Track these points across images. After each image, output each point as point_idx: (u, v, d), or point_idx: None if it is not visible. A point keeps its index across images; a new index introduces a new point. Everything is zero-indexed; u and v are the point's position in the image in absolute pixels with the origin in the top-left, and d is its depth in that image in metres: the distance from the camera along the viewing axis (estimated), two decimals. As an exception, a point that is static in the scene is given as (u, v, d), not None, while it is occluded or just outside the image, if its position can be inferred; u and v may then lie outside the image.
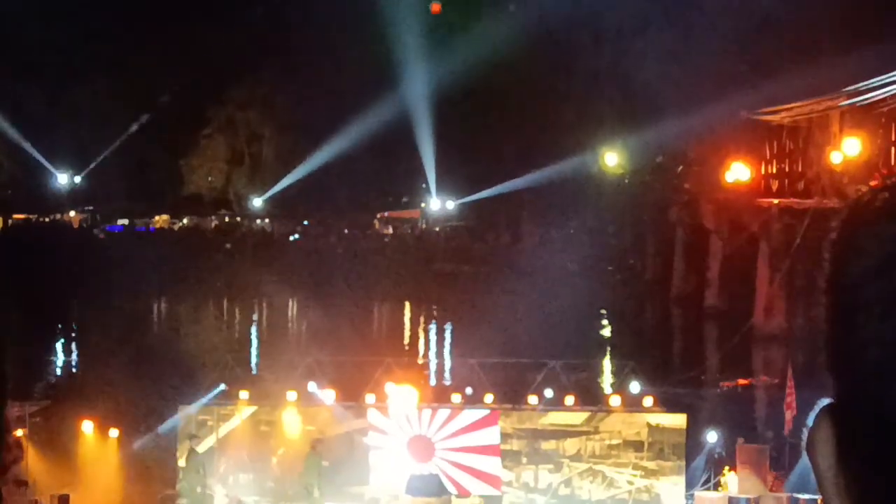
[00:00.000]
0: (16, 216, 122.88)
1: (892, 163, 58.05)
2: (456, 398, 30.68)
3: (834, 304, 1.71)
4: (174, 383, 39.91)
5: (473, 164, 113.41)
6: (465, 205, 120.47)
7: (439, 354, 70.71)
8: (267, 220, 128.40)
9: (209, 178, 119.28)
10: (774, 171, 79.75)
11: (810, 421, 1.82)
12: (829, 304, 1.74)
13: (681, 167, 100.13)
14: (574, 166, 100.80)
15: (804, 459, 28.26)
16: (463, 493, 30.23)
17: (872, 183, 1.76)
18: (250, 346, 73.50)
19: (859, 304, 1.65)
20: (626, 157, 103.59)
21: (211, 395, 30.33)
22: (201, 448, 30.02)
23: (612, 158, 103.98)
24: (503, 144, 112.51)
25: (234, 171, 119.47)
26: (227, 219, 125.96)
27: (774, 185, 78.86)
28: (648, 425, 30.17)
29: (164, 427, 30.16)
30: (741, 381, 31.24)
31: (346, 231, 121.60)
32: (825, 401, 1.78)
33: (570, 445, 30.35)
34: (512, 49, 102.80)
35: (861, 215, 1.70)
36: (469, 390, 31.06)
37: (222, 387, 30.50)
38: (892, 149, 57.95)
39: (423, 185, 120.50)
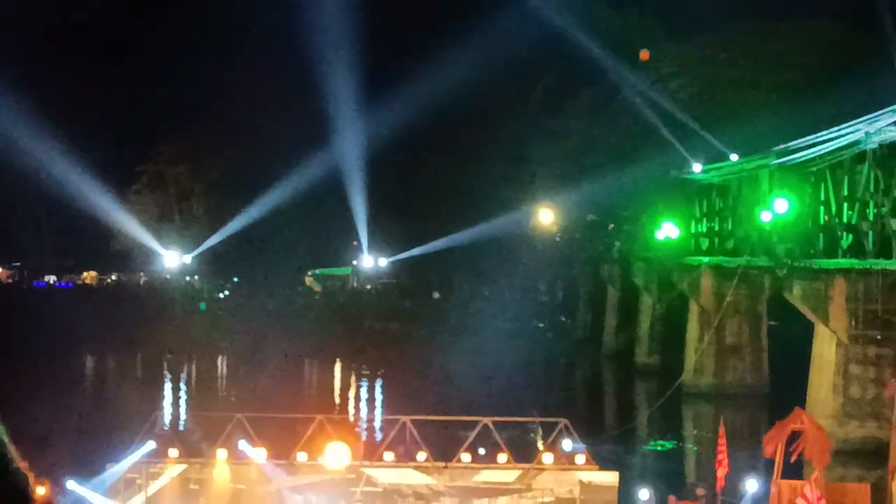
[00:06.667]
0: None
1: (822, 222, 58.56)
2: (388, 456, 30.43)
3: None
4: (102, 440, 39.42)
5: (405, 222, 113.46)
6: (396, 262, 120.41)
7: (371, 412, 70.31)
8: (196, 277, 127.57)
9: (138, 235, 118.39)
10: (704, 229, 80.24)
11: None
12: None
13: (612, 225, 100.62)
14: (506, 224, 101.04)
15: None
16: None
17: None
18: (179, 402, 72.80)
19: None
20: (558, 214, 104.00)
21: (139, 452, 29.86)
22: (130, 507, 29.64)
23: (546, 215, 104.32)
24: (435, 202, 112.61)
25: (163, 227, 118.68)
26: (153, 274, 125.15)
27: (704, 244, 79.34)
28: (581, 483, 30.02)
29: (91, 485, 29.58)
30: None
31: (276, 288, 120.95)
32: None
33: (503, 503, 30.20)
34: (443, 106, 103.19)
35: None
36: (402, 448, 30.83)
37: (151, 444, 30.04)
38: (822, 208, 58.43)
39: (355, 243, 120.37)
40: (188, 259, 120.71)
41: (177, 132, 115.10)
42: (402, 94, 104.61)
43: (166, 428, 31.40)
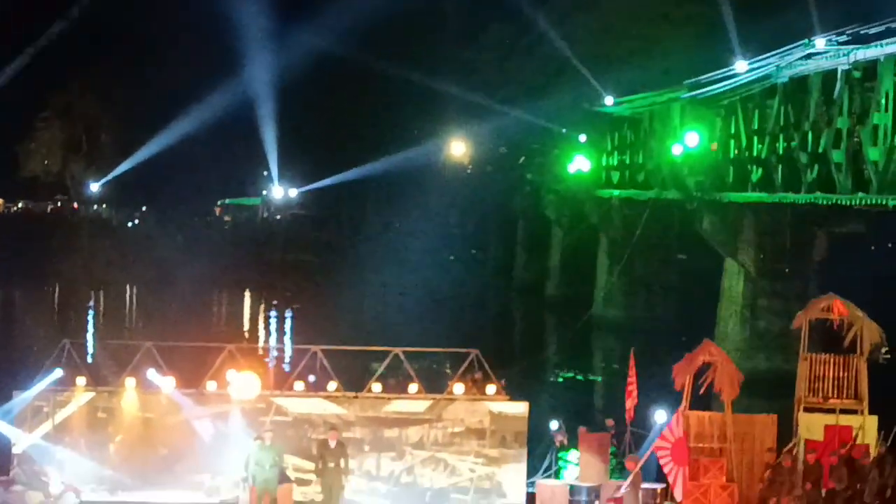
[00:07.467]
0: None
1: (731, 155, 58.97)
2: (299, 386, 30.34)
3: None
4: (9, 369, 39.03)
5: (316, 152, 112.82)
6: (307, 193, 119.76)
7: (281, 342, 70.16)
8: (105, 206, 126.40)
9: (45, 163, 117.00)
10: (615, 162, 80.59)
11: None
12: None
13: (523, 158, 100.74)
14: (418, 156, 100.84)
15: (646, 448, 28.41)
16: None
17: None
18: (88, 332, 72.17)
19: None
20: (470, 146, 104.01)
21: (47, 380, 29.56)
22: (36, 434, 29.35)
23: (458, 148, 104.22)
24: (347, 133, 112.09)
25: (71, 156, 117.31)
26: (60, 203, 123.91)
27: (616, 177, 79.69)
28: (491, 413, 30.11)
29: (-3, 413, 29.30)
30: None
31: (185, 218, 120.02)
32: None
33: (413, 433, 30.20)
34: (355, 36, 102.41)
35: None
36: (312, 378, 30.72)
37: (59, 372, 29.73)
38: (732, 141, 58.82)
39: (265, 173, 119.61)
40: (96, 187, 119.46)
41: (85, 61, 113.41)
42: (313, 22, 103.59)
43: (75, 356, 30.95)
